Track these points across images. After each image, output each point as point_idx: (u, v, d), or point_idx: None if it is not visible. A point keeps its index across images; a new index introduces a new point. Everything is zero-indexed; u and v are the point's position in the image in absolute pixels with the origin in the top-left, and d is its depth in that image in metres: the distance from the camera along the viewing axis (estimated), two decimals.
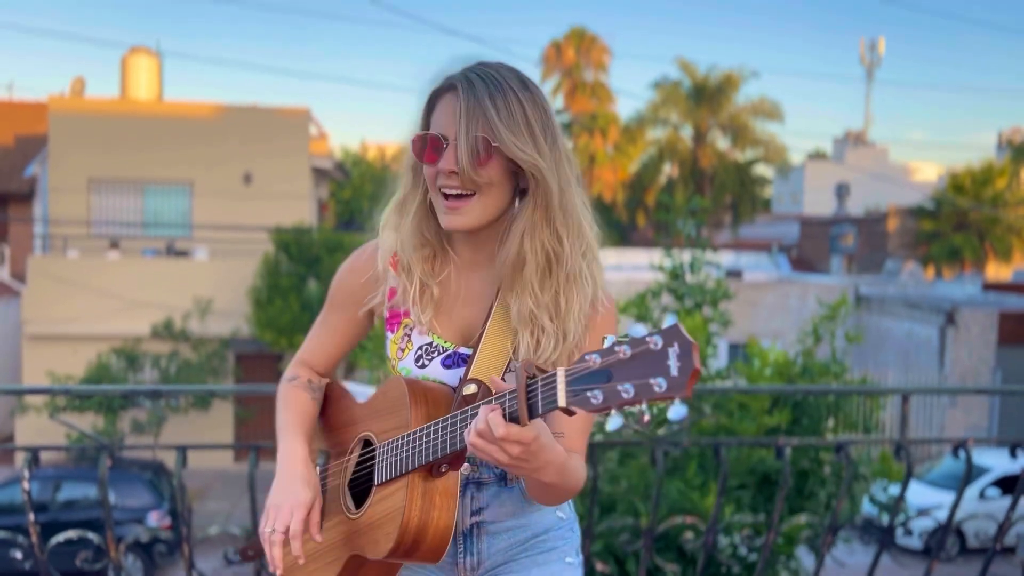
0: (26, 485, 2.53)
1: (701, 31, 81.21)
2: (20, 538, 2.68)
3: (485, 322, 1.45)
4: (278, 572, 1.49)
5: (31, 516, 2.56)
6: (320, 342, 1.66)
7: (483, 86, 1.37)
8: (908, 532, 11.41)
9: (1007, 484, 11.95)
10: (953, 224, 27.37)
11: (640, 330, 1.06)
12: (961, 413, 16.84)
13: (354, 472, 1.54)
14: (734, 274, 20.84)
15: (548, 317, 1.42)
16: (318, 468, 1.60)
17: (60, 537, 2.68)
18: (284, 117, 18.41)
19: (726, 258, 24.08)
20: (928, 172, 38.66)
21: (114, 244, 17.26)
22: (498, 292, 1.46)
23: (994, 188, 27.85)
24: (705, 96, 28.79)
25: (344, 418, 1.61)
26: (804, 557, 4.46)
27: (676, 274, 4.88)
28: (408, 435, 1.38)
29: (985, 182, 27.87)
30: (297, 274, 15.45)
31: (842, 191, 31.45)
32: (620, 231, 32.00)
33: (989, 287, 22.01)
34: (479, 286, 1.50)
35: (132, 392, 2.61)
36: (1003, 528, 2.59)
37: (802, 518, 2.88)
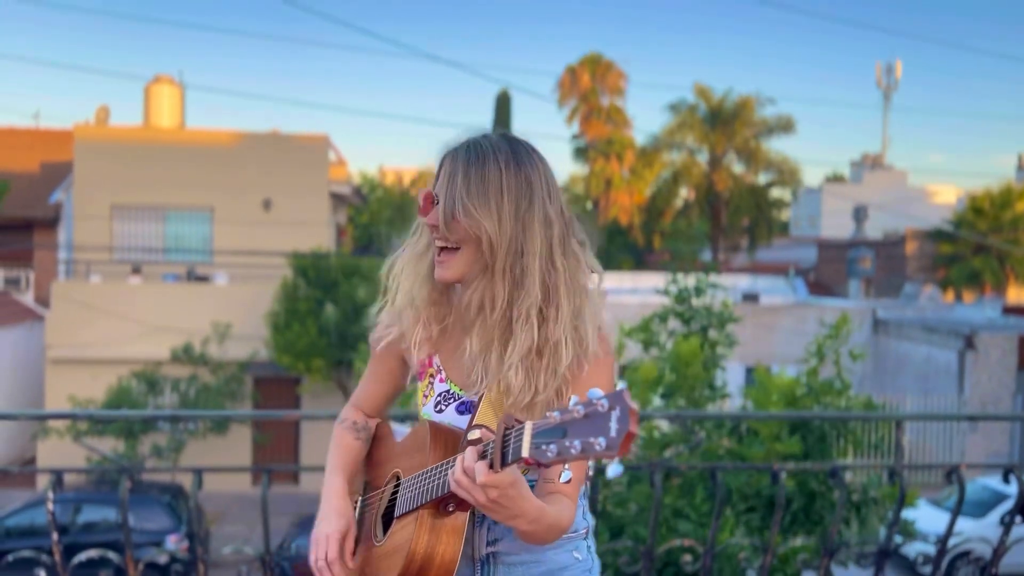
0: (51, 506, 2.64)
1: (717, 59, 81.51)
2: (44, 556, 2.79)
3: (485, 374, 1.58)
4: None
5: (55, 535, 2.67)
6: (366, 388, 1.82)
7: (465, 156, 1.52)
8: (928, 560, 11.27)
9: None
10: (972, 247, 27.18)
11: (597, 393, 1.17)
12: (981, 438, 16.66)
13: (387, 504, 1.67)
14: (751, 297, 20.78)
15: (514, 369, 1.52)
16: (359, 499, 1.74)
17: (82, 556, 2.79)
18: (303, 144, 18.69)
19: (743, 281, 24.03)
20: (947, 195, 38.43)
21: (136, 269, 17.54)
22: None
23: (1014, 211, 27.66)
24: (720, 120, 28.89)
25: (385, 455, 1.76)
26: None
27: (682, 298, 4.95)
28: (422, 473, 1.52)
29: (1004, 205, 27.68)
30: (315, 299, 15.61)
31: (860, 214, 31.30)
32: (636, 254, 32.05)
33: (1009, 311, 21.83)
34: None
35: (153, 417, 2.72)
36: (997, 553, 2.63)
37: (799, 540, 2.93)
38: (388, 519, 1.64)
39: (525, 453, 1.21)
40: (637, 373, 3.80)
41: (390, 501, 1.66)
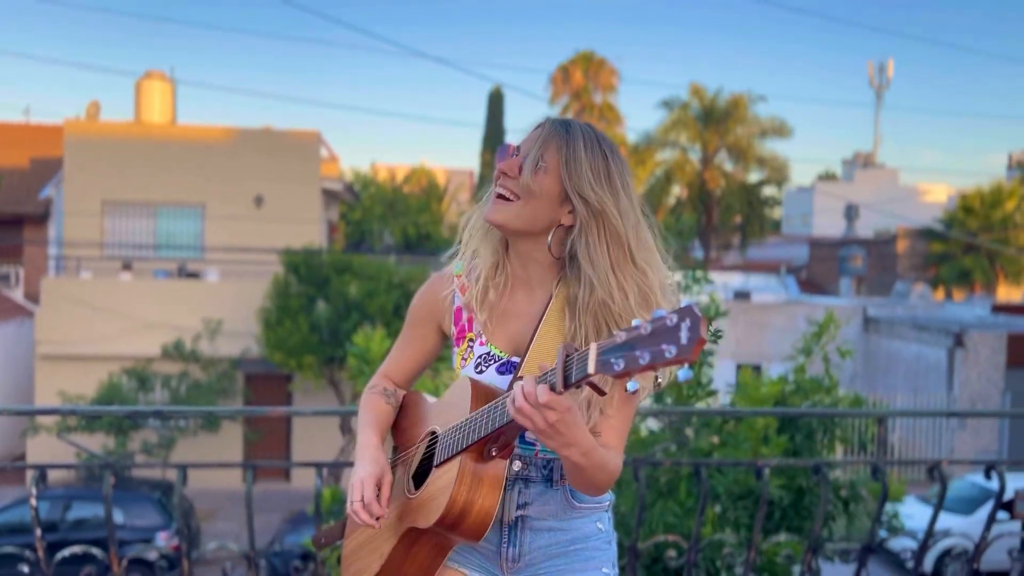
0: (33, 502, 2.64)
1: (709, 56, 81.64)
2: (27, 552, 2.78)
3: (533, 334, 1.63)
4: (379, 524, 1.66)
5: (38, 531, 2.67)
6: (397, 357, 1.86)
7: (579, 132, 1.60)
8: (913, 556, 11.31)
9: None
10: (963, 246, 27.30)
11: (661, 312, 1.26)
12: (970, 436, 16.76)
13: (420, 461, 1.71)
14: (742, 295, 20.83)
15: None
16: (388, 459, 1.77)
17: (66, 552, 2.78)
18: (295, 140, 18.65)
19: (735, 279, 24.07)
20: (938, 194, 38.57)
21: (127, 266, 17.47)
22: (547, 306, 1.64)
23: (1004, 210, 27.80)
24: (713, 119, 28.93)
25: (416, 419, 1.81)
26: None
27: None
28: (463, 422, 1.57)
29: (995, 204, 27.83)
30: (306, 295, 15.58)
31: (851, 212, 31.43)
32: None
33: (998, 309, 21.93)
34: (525, 303, 1.69)
35: (139, 413, 2.71)
36: (979, 548, 2.64)
37: (782, 536, 2.95)
38: (421, 477, 1.68)
39: (591, 369, 1.28)
40: None
41: (423, 458, 1.70)
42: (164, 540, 11.02)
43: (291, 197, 18.16)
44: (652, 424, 4.55)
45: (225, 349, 15.97)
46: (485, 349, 1.69)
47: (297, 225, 17.70)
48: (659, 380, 1.25)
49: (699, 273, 4.78)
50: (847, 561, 2.96)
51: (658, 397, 4.51)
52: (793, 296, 22.84)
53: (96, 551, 2.84)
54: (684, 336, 1.20)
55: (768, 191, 31.20)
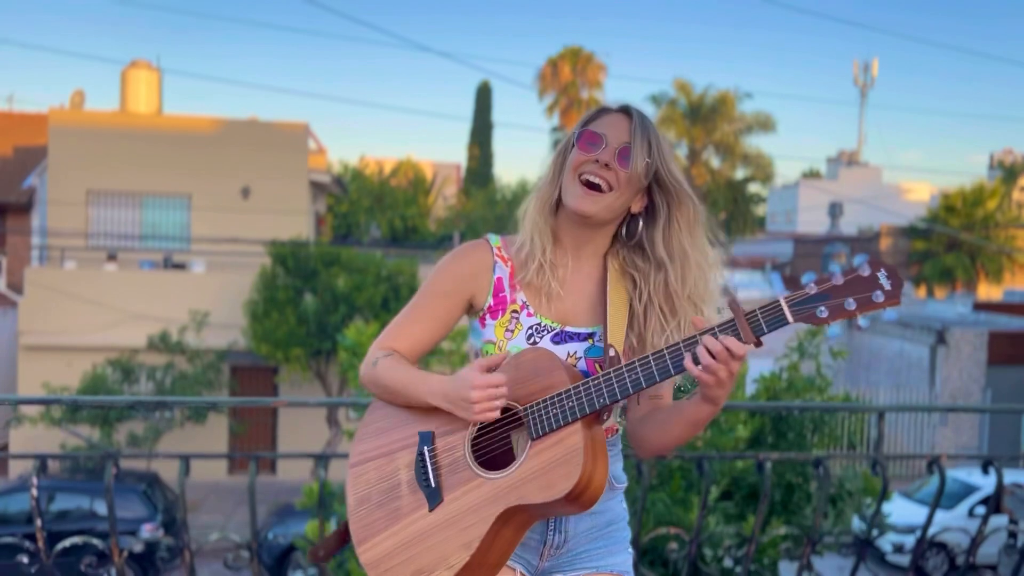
0: (35, 492, 2.63)
1: (695, 53, 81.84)
2: (27, 543, 2.77)
3: (605, 302, 1.67)
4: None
5: (39, 522, 2.66)
6: (408, 330, 1.72)
7: (650, 122, 1.67)
8: (899, 550, 11.48)
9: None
10: (945, 244, 27.56)
11: (835, 268, 1.42)
12: (951, 432, 16.95)
13: (473, 442, 1.61)
14: (727, 292, 20.89)
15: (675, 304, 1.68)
16: (427, 450, 1.62)
17: (66, 543, 2.77)
18: (283, 131, 18.54)
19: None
20: (921, 192, 38.93)
21: (111, 256, 17.32)
22: (606, 280, 1.69)
23: (985, 209, 28.09)
24: (700, 115, 29.02)
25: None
26: (791, 571, 4.53)
27: None
28: (574, 387, 1.53)
29: (977, 203, 28.10)
30: (294, 287, 15.52)
31: (835, 210, 31.67)
32: None
33: (980, 307, 22.16)
34: (577, 278, 1.71)
35: (137, 403, 2.70)
36: (975, 542, 2.68)
37: (782, 529, 2.98)
38: (485, 457, 1.59)
39: (790, 320, 1.42)
40: None
41: (478, 438, 1.60)
42: (149, 532, 10.96)
43: (278, 189, 18.06)
44: None
45: (211, 341, 15.88)
46: (535, 320, 1.68)
47: (284, 217, 17.61)
48: (861, 324, 1.40)
49: None
50: (843, 555, 3.00)
51: None
52: (778, 292, 22.97)
53: (96, 541, 2.83)
54: (887, 283, 1.38)
55: (753, 188, 31.37)
